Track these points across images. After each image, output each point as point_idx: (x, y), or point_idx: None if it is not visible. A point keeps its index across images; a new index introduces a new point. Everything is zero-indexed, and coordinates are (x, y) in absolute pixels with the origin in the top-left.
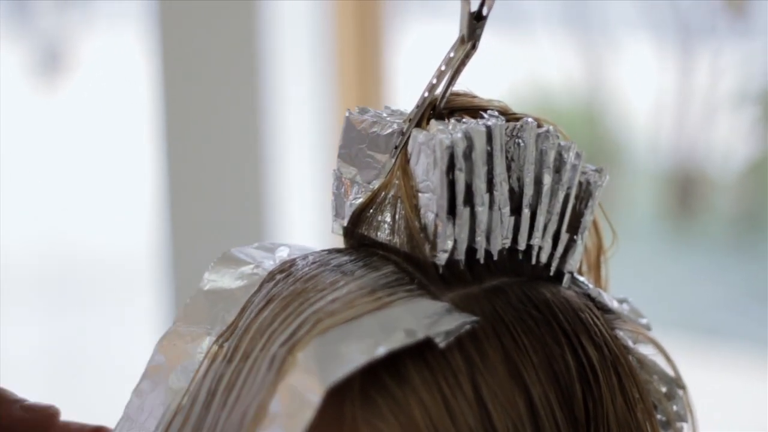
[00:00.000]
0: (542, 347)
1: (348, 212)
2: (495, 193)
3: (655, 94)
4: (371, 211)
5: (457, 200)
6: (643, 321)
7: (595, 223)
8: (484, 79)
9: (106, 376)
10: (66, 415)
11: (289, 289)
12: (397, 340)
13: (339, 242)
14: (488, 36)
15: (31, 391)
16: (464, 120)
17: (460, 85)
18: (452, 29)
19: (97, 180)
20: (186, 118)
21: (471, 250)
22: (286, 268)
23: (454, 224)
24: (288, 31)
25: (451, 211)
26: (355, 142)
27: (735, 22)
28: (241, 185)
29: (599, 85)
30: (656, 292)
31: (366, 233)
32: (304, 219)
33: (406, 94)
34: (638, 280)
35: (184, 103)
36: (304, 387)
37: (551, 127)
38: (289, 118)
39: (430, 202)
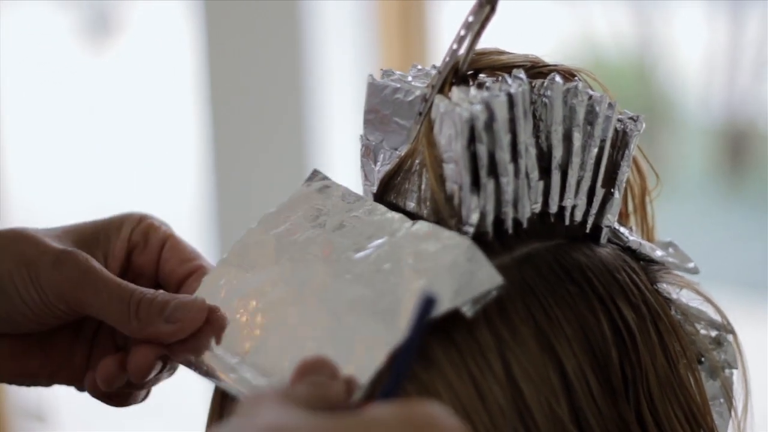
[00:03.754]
0: (576, 317)
1: (376, 179)
2: (520, 160)
3: (705, 49)
4: (398, 178)
5: (480, 172)
6: (690, 265)
7: (637, 164)
8: (533, 36)
9: None
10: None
11: None
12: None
13: None
14: None
15: None
16: (487, 85)
17: (503, 42)
18: None
19: (142, 142)
20: (229, 83)
21: (499, 220)
22: None
23: (478, 196)
24: None
25: (475, 183)
26: (379, 108)
27: None
28: (284, 149)
29: (649, 41)
30: (708, 248)
31: (395, 201)
32: (347, 184)
33: None
34: (689, 235)
35: (227, 67)
36: None
37: (580, 83)
38: (333, 81)
39: (454, 173)
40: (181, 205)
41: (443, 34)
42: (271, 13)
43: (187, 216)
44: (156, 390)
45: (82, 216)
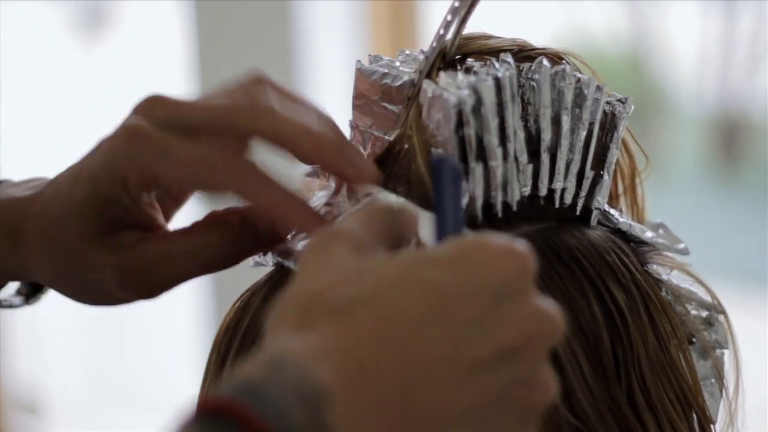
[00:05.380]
0: (566, 300)
1: None
2: (509, 144)
3: (699, 40)
4: (388, 163)
5: (469, 157)
6: (680, 246)
7: (626, 146)
8: (526, 29)
9: (145, 332)
10: (107, 372)
11: None
12: None
13: None
14: None
15: (70, 347)
16: (474, 69)
17: (486, 28)
18: None
19: None
20: (221, 75)
21: (488, 204)
22: None
23: (467, 181)
24: None
25: (464, 168)
26: (368, 94)
27: None
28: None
29: (643, 33)
30: (701, 240)
31: (384, 186)
32: None
33: None
34: (683, 226)
35: (218, 59)
36: None
37: (567, 66)
38: (323, 69)
39: None
40: None
41: (433, 22)
42: (262, 3)
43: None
44: (148, 384)
45: None
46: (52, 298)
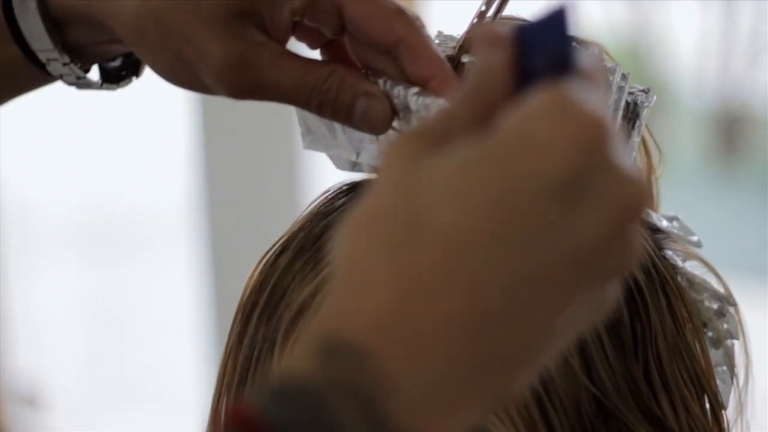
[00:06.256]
0: None
1: None
2: None
3: (699, 34)
4: None
5: None
6: (694, 239)
7: (644, 142)
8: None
9: (145, 326)
10: (107, 365)
11: None
12: None
13: None
14: None
15: (71, 339)
16: None
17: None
18: None
19: (131, 129)
20: None
21: None
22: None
23: None
24: None
25: None
26: None
27: None
28: (276, 134)
29: (643, 26)
30: (701, 233)
31: None
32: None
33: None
34: (685, 219)
35: None
36: None
37: (596, 50)
38: None
39: None
40: (171, 193)
41: (433, 21)
42: None
43: (177, 204)
44: (150, 378)
45: (74, 209)
46: (51, 294)
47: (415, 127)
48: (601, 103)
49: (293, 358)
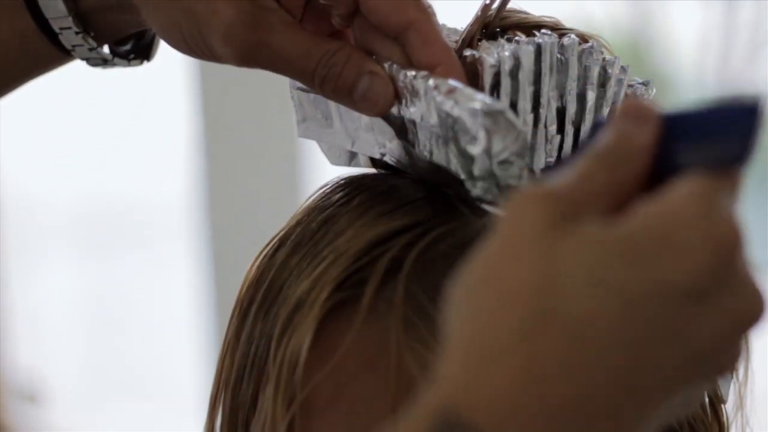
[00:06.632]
0: None
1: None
2: (541, 110)
3: (700, 29)
4: None
5: None
6: None
7: None
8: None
9: (146, 323)
10: (108, 361)
11: None
12: None
13: None
14: None
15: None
16: (517, 38)
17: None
18: None
19: (131, 127)
20: (221, 70)
21: None
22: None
23: None
24: None
25: None
26: None
27: None
28: (276, 131)
29: (643, 21)
30: None
31: None
32: None
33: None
34: None
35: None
36: None
37: (595, 43)
38: None
39: None
40: (171, 187)
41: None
42: None
43: (177, 198)
44: (150, 374)
45: (74, 205)
46: (52, 291)
47: (550, 187)
48: (736, 207)
49: (408, 428)
